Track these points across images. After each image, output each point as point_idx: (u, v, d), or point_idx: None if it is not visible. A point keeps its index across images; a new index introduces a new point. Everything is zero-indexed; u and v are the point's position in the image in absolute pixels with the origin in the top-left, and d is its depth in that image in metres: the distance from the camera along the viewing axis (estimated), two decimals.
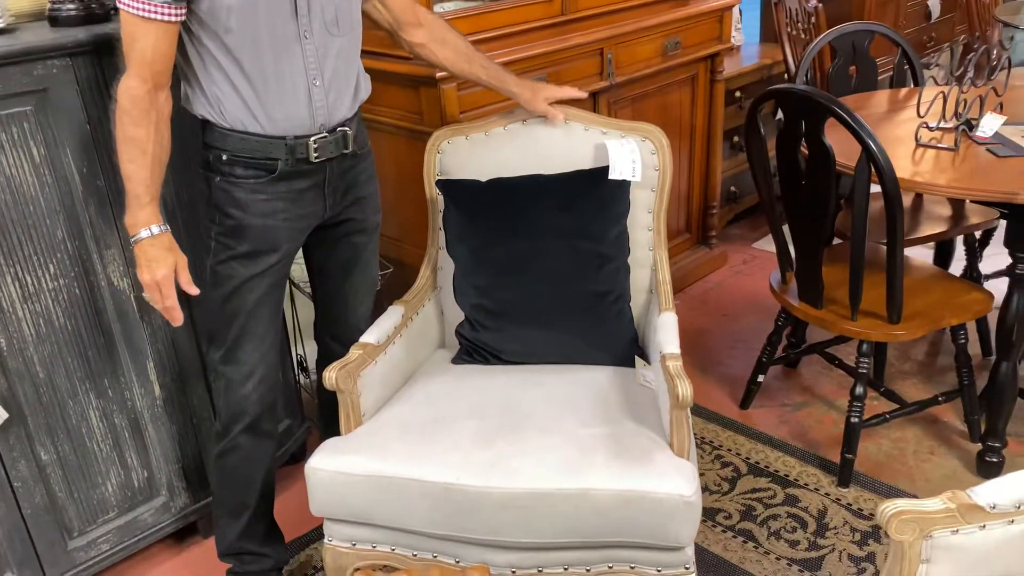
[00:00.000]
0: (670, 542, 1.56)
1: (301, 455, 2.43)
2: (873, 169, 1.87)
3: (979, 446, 2.25)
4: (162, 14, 1.45)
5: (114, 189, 1.78)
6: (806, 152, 2.02)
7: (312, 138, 1.64)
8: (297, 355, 2.51)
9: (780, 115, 3.05)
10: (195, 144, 1.68)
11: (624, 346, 1.93)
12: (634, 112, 2.82)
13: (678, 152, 3.08)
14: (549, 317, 1.92)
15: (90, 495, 1.92)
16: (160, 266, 1.55)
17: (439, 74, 2.14)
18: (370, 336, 1.82)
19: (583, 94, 2.02)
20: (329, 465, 1.65)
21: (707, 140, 3.21)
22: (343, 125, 1.69)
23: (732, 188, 3.62)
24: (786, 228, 2.24)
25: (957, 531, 1.25)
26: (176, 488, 2.06)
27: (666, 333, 1.78)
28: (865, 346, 2.12)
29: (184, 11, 1.48)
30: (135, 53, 1.47)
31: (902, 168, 2.00)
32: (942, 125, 2.27)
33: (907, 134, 2.25)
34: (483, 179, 1.97)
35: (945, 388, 2.57)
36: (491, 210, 1.94)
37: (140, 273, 1.56)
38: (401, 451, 1.65)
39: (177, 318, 1.60)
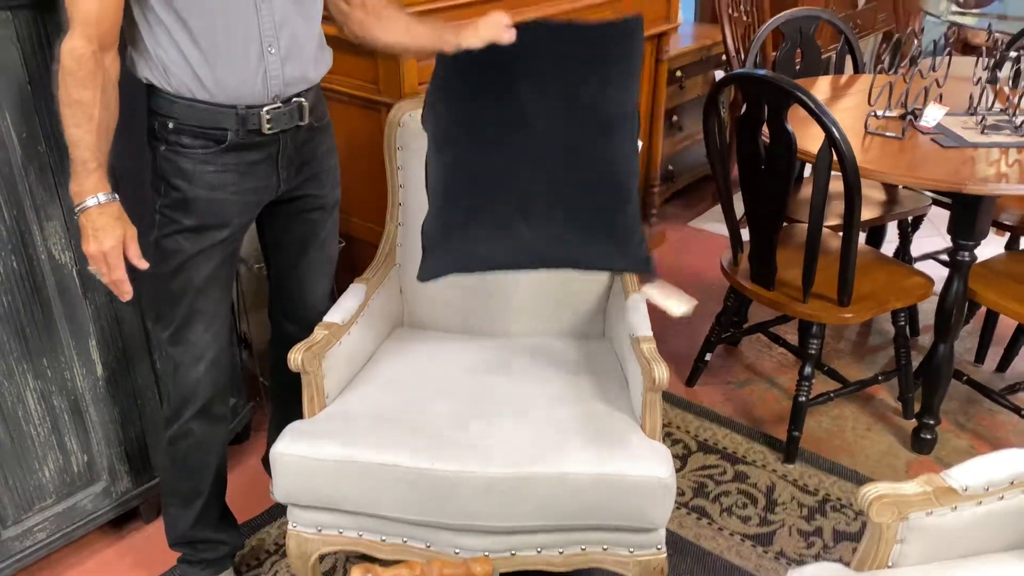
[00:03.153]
0: (645, 524, 1.57)
1: (246, 435, 2.35)
2: (835, 156, 1.91)
3: (913, 423, 2.35)
4: None
5: (56, 156, 1.65)
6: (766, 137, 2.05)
7: (265, 108, 1.54)
8: (240, 331, 2.41)
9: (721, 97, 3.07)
10: (143, 111, 1.57)
11: (638, 247, 1.63)
12: None
13: None
14: (543, 195, 1.61)
15: (26, 481, 1.80)
16: (108, 236, 1.44)
17: None
18: (335, 315, 1.76)
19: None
20: (297, 450, 1.59)
21: (650, 119, 3.23)
22: (299, 96, 1.60)
23: (669, 167, 3.66)
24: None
25: (931, 513, 1.31)
26: (118, 472, 1.95)
27: (637, 316, 1.78)
28: (815, 328, 2.19)
29: None
30: (79, 11, 1.36)
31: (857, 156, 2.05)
32: (887, 114, 2.34)
33: (853, 120, 2.31)
34: None
35: (876, 367, 2.69)
36: (483, 66, 1.59)
37: (86, 244, 1.45)
38: (372, 435, 1.61)
39: (126, 292, 1.49)
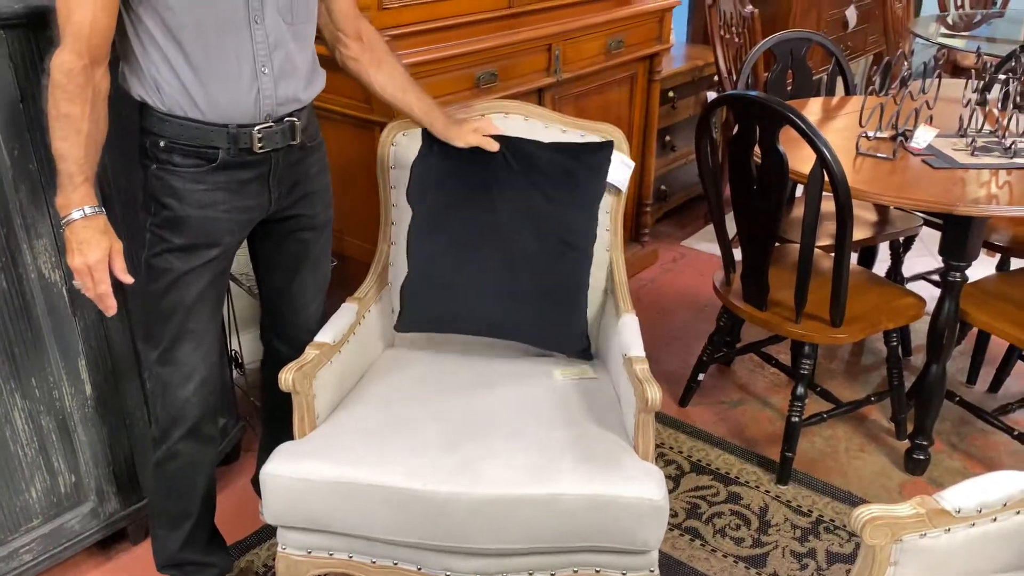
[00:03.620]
0: (638, 546, 1.56)
1: (235, 456, 2.33)
2: (827, 178, 1.92)
3: (906, 444, 2.35)
4: None
5: (48, 174, 1.64)
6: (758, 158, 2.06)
7: (256, 127, 1.53)
8: (231, 350, 2.40)
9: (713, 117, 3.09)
10: (135, 129, 1.57)
11: (579, 338, 1.90)
12: (576, 109, 2.82)
13: None
14: (505, 300, 1.85)
15: (13, 502, 1.78)
16: (93, 249, 1.43)
17: None
18: (325, 335, 1.75)
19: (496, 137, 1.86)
20: (287, 471, 1.57)
21: (643, 138, 3.25)
22: (291, 115, 1.60)
23: (662, 187, 3.67)
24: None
25: (924, 535, 1.30)
26: (105, 493, 1.93)
27: (629, 335, 1.78)
28: (807, 348, 2.19)
29: None
30: (71, 26, 1.36)
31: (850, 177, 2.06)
32: (878, 135, 2.35)
33: (844, 141, 2.32)
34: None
35: (868, 387, 2.69)
36: (464, 178, 1.86)
37: (71, 257, 1.44)
38: (363, 456, 1.60)
39: (111, 306, 1.48)
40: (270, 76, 1.53)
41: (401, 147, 1.98)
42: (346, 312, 1.86)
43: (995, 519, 1.32)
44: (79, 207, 1.42)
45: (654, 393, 1.57)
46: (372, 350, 1.97)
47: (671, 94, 3.52)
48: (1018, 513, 1.33)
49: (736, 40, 3.37)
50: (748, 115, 2.03)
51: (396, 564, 1.64)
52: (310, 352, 1.69)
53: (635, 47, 2.98)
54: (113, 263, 1.47)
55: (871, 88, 2.49)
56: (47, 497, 1.84)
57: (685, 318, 3.09)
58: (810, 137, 1.89)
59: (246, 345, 2.56)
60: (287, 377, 1.63)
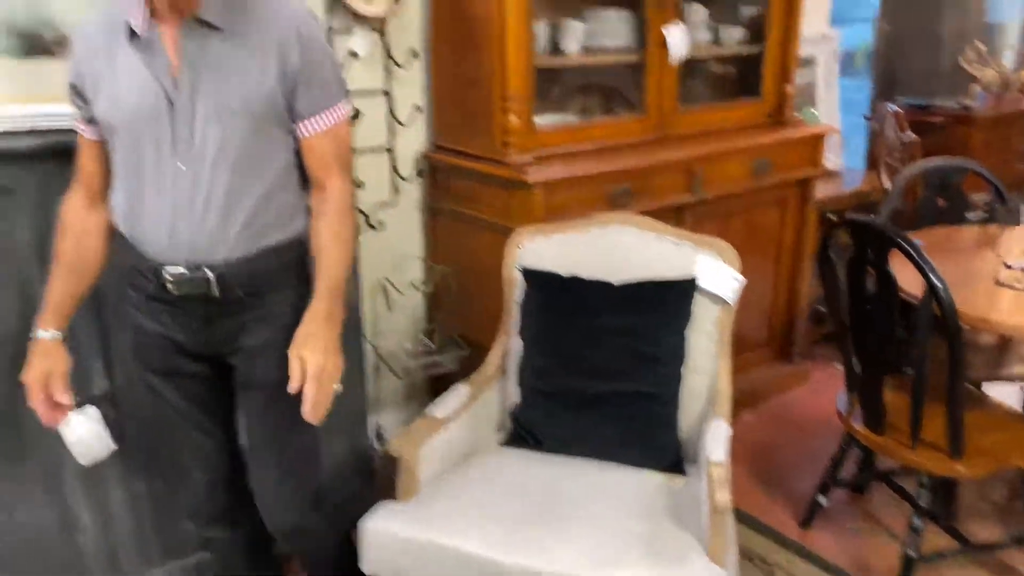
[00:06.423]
0: None
1: None
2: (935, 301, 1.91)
3: None
4: (80, 129, 1.58)
5: None
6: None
7: (167, 269, 1.51)
8: (375, 425, 2.66)
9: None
10: None
11: (665, 452, 2.00)
12: (719, 227, 2.90)
13: (763, 269, 3.15)
14: (596, 406, 2.02)
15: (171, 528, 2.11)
16: (28, 369, 1.57)
17: (531, 179, 2.32)
18: (436, 410, 1.97)
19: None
20: (382, 527, 1.78)
21: (794, 260, 3.27)
22: (213, 267, 1.51)
23: (820, 308, 3.63)
24: None
25: None
26: None
27: (714, 440, 1.84)
28: (925, 477, 2.11)
29: (88, 127, 1.56)
30: (76, 169, 1.60)
31: (974, 305, 2.02)
32: (1022, 265, 2.27)
33: (989, 271, 2.27)
34: (562, 274, 2.12)
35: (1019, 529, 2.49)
36: (564, 302, 2.09)
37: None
38: (449, 522, 1.77)
39: (45, 420, 1.59)
40: (187, 224, 1.49)
41: (526, 250, 2.20)
42: (458, 392, 2.06)
43: None
44: (39, 328, 1.60)
45: (724, 496, 1.63)
46: (483, 432, 2.15)
47: (834, 218, 3.52)
48: None
49: (900, 166, 3.36)
50: (862, 238, 2.07)
51: None
52: (419, 422, 1.91)
53: (785, 170, 3.06)
54: (50, 385, 1.57)
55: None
56: None
57: (825, 441, 3.00)
58: (916, 261, 1.90)
59: (388, 423, 2.81)
60: (396, 443, 1.85)
